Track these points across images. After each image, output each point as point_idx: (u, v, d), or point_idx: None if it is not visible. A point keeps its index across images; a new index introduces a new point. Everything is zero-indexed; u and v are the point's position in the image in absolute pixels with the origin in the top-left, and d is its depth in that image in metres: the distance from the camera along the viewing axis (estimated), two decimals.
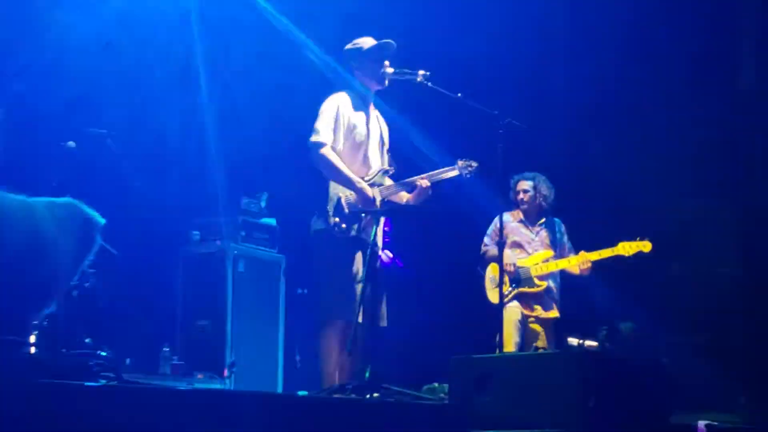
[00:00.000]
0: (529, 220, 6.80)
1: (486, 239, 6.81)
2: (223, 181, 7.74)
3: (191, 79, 7.67)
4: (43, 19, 7.09)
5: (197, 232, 7.55)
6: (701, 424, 4.87)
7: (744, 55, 7.43)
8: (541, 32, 7.91)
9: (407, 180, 5.40)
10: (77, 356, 3.25)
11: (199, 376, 6.83)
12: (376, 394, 4.19)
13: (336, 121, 5.26)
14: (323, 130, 5.22)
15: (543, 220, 6.80)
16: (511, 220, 6.80)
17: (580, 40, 7.79)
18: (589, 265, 6.56)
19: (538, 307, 6.64)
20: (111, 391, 3.02)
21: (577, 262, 6.59)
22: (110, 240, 7.31)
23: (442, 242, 7.85)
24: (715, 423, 5.01)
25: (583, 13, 7.80)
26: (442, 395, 4.49)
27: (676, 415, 4.86)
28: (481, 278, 6.76)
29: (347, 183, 5.18)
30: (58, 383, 2.91)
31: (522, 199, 6.76)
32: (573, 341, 6.66)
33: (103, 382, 3.21)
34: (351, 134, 5.30)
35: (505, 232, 6.65)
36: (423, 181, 5.35)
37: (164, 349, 6.89)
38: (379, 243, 5.15)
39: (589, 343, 6.86)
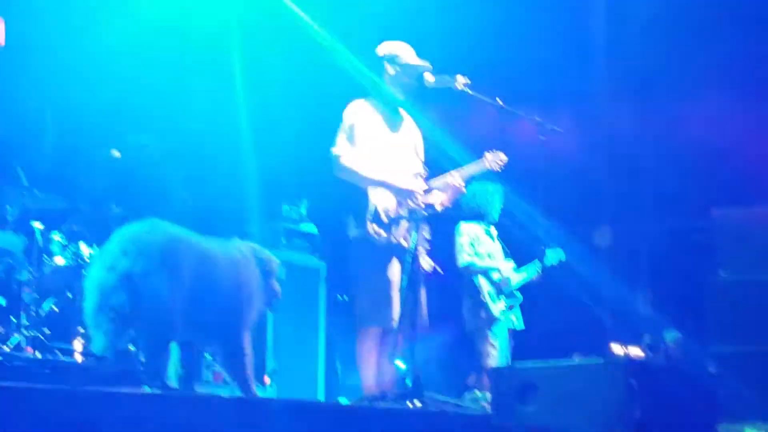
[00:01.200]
0: (490, 230, 6.76)
1: (468, 248, 6.62)
2: (262, 188, 7.80)
3: (230, 87, 7.74)
4: (89, 29, 7.21)
5: (237, 239, 7.59)
6: None
7: None
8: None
9: (437, 179, 5.34)
10: (122, 364, 3.28)
11: None
12: (418, 403, 4.19)
13: (353, 130, 5.18)
14: (341, 141, 5.18)
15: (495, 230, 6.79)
16: (481, 230, 6.70)
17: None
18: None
19: (515, 319, 6.61)
20: (154, 399, 3.06)
21: (536, 271, 6.59)
22: None
23: None
24: None
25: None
26: (484, 404, 4.48)
27: (724, 425, 4.80)
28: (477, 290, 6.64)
29: (378, 183, 5.12)
30: (106, 392, 2.96)
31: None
32: (618, 349, 6.61)
33: (148, 389, 3.24)
34: (375, 140, 5.21)
35: (481, 241, 6.63)
36: (455, 179, 5.28)
37: (206, 356, 6.93)
38: (421, 249, 5.10)
39: (633, 350, 6.80)
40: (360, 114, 5.25)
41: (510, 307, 6.58)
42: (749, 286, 5.86)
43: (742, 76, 7.37)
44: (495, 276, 6.58)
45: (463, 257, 6.61)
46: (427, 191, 5.28)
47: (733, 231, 6.07)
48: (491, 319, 6.51)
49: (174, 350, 4.16)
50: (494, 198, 6.69)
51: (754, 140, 7.23)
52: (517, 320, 6.62)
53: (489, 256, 6.67)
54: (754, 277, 5.87)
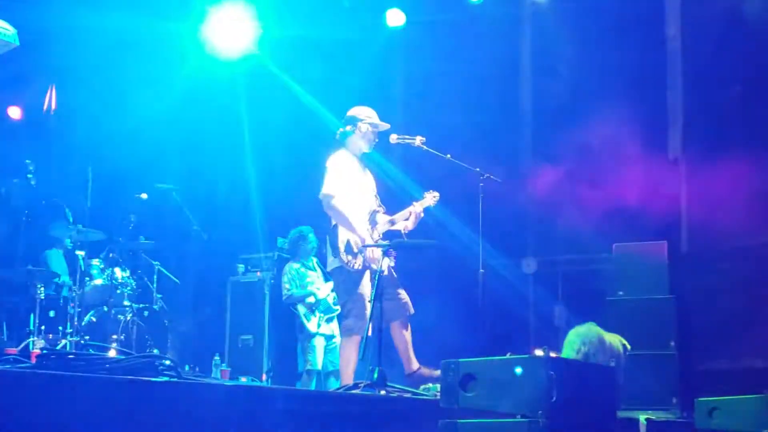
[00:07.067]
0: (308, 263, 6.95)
1: (287, 284, 6.79)
2: (262, 226, 7.77)
3: (238, 146, 7.74)
4: (124, 99, 7.20)
5: (242, 266, 7.56)
6: (642, 418, 4.81)
7: None
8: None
9: (401, 212, 5.32)
10: (146, 359, 3.22)
11: (243, 379, 6.77)
12: (383, 391, 4.14)
13: (341, 175, 5.15)
14: (331, 184, 5.10)
15: None
16: (298, 266, 6.86)
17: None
18: None
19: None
20: (172, 385, 3.01)
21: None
22: (173, 271, 7.36)
23: (435, 271, 7.76)
24: (654, 417, 4.96)
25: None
26: (435, 392, 4.44)
27: (623, 411, 4.80)
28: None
29: (352, 228, 5.08)
30: (131, 379, 2.91)
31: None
32: (539, 352, 6.56)
33: (166, 378, 3.18)
34: (353, 184, 5.21)
35: (300, 274, 6.78)
36: (416, 208, 5.29)
37: (215, 357, 6.85)
38: (385, 270, 5.04)
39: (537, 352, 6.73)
40: (347, 162, 5.24)
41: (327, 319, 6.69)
42: (640, 303, 5.94)
43: None
44: (310, 300, 6.67)
45: (284, 291, 6.76)
46: (392, 222, 5.29)
47: (628, 261, 6.14)
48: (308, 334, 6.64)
49: None
50: (304, 240, 6.83)
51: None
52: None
53: (310, 284, 6.77)
54: (644, 296, 5.95)
